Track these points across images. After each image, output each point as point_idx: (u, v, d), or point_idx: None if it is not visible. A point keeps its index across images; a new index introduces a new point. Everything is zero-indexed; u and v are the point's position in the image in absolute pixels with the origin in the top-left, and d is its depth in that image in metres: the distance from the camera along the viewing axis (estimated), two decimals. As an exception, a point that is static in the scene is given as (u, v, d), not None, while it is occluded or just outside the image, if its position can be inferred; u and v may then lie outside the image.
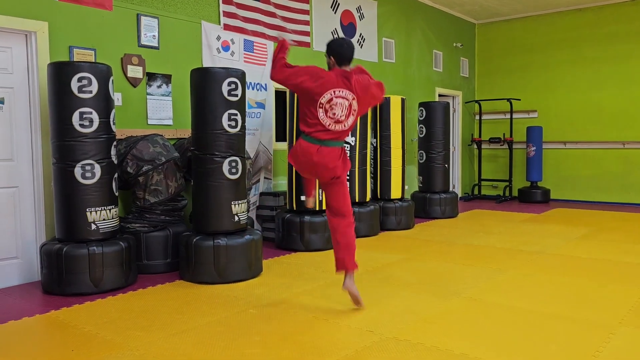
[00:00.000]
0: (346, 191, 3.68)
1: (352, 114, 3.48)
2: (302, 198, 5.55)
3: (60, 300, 3.83)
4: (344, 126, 3.47)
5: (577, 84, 9.69)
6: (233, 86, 4.32)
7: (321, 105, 3.41)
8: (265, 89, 6.32)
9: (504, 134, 10.19)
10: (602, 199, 9.49)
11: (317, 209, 5.59)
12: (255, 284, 4.25)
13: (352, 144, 6.16)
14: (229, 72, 4.33)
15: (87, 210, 4.02)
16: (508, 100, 10.04)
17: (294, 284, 4.22)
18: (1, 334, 3.18)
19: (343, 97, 3.42)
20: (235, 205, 4.37)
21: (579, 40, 9.64)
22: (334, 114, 3.41)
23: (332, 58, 3.51)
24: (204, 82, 4.29)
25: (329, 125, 3.43)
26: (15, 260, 4.33)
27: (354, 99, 3.44)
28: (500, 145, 10.35)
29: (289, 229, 5.55)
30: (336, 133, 3.47)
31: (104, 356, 2.81)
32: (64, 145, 3.99)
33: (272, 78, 3.56)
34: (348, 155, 3.63)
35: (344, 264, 3.60)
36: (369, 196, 6.45)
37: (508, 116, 10.27)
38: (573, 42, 9.70)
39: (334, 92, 3.41)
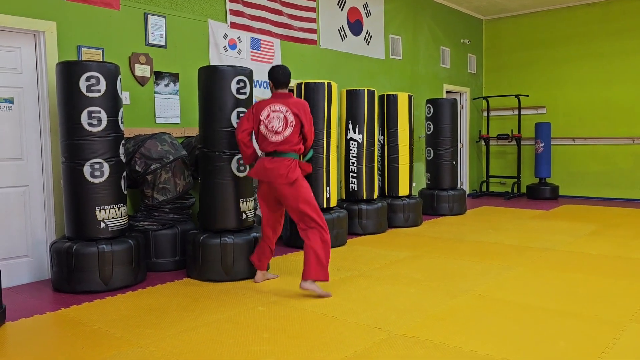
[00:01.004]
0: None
1: (290, 126, 3.94)
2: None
3: (71, 298, 3.86)
4: (282, 137, 3.93)
5: (586, 79, 9.62)
6: (242, 84, 4.33)
7: (262, 122, 3.95)
8: (273, 87, 6.32)
9: (512, 131, 10.14)
10: (612, 195, 9.43)
11: (325, 206, 5.59)
12: (263, 281, 4.26)
13: (360, 141, 6.16)
14: (237, 70, 4.34)
15: (97, 208, 4.05)
16: (516, 96, 9.99)
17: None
18: (13, 331, 3.21)
19: (278, 111, 3.94)
20: (243, 202, 4.38)
21: (587, 36, 9.58)
22: (272, 126, 3.92)
23: (271, 82, 4.09)
24: (213, 80, 4.30)
25: (271, 138, 3.93)
26: (25, 259, 4.37)
27: (287, 111, 3.93)
28: (509, 141, 10.30)
29: (296, 226, 5.54)
30: (277, 144, 3.93)
31: (114, 353, 2.83)
32: (73, 144, 4.02)
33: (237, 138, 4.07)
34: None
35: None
36: (376, 193, 6.44)
37: (516, 112, 10.22)
38: (582, 37, 9.63)
39: (270, 107, 3.96)
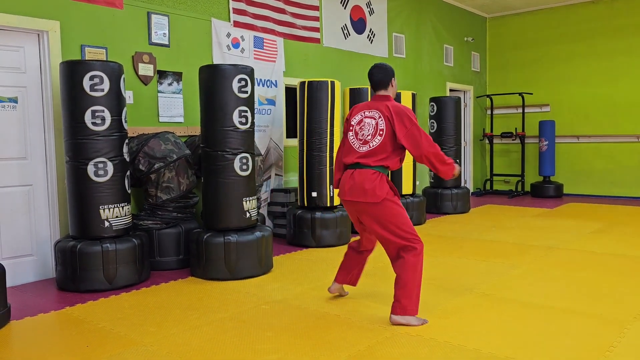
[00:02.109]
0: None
1: (380, 134, 3.28)
2: (313, 194, 5.56)
3: (75, 297, 3.88)
4: (370, 146, 3.29)
5: (590, 77, 9.59)
6: (243, 83, 4.33)
7: (351, 128, 3.39)
8: (276, 86, 6.32)
9: (515, 129, 10.11)
10: (616, 193, 9.39)
11: (329, 205, 5.60)
12: (267, 280, 4.27)
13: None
14: (238, 68, 4.34)
15: (100, 207, 4.06)
16: (520, 94, 9.97)
17: (305, 280, 4.23)
18: (18, 330, 3.22)
19: (370, 117, 3.34)
20: (246, 201, 4.38)
21: (591, 33, 9.54)
22: (363, 134, 3.33)
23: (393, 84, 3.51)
24: (214, 79, 4.30)
25: (357, 148, 3.33)
26: (30, 258, 4.38)
27: (380, 117, 3.29)
28: (512, 139, 10.28)
29: (300, 225, 5.56)
30: (361, 155, 3.31)
31: (119, 352, 2.84)
32: (77, 144, 4.03)
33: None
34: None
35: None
36: (380, 192, 6.43)
37: (520, 110, 10.19)
38: (586, 34, 9.60)
39: (363, 113, 3.39)
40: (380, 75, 3.44)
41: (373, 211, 3.23)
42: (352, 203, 3.31)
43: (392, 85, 3.48)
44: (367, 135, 3.30)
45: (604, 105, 9.46)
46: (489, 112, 10.64)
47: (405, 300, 3.16)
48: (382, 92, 3.43)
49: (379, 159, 3.26)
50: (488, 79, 10.82)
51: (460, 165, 7.80)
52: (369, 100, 3.48)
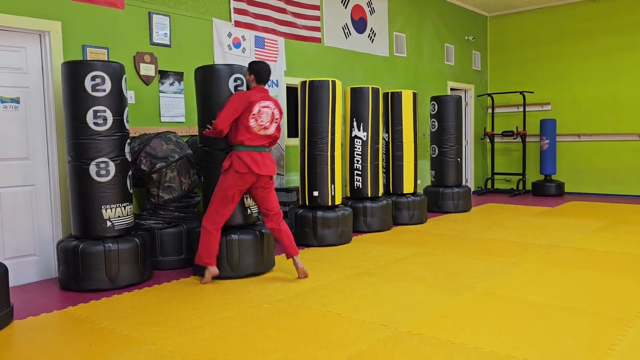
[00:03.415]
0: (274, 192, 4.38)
1: (275, 122, 4.22)
2: (315, 193, 5.57)
3: (77, 297, 3.89)
4: (269, 132, 4.20)
5: (592, 75, 9.58)
6: (239, 82, 4.35)
7: (253, 116, 4.10)
8: (277, 85, 6.33)
9: (517, 127, 10.12)
10: (618, 192, 9.39)
11: (330, 204, 5.61)
12: (269, 278, 4.28)
13: (364, 138, 6.16)
14: (232, 68, 4.36)
15: (102, 207, 4.07)
16: (521, 93, 9.97)
17: (306, 279, 4.24)
18: (20, 329, 3.23)
19: (267, 107, 4.16)
20: (247, 198, 4.39)
21: (593, 31, 9.53)
22: (262, 121, 4.12)
23: (252, 76, 4.22)
24: (210, 79, 4.32)
25: (258, 131, 4.12)
26: (33, 257, 4.40)
27: (275, 109, 4.20)
28: (514, 138, 10.28)
29: (301, 224, 5.57)
30: (266, 138, 4.20)
31: (121, 351, 2.85)
32: (79, 144, 4.04)
33: (221, 127, 4.10)
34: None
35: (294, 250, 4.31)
36: (381, 191, 6.45)
37: (521, 109, 10.19)
38: (587, 33, 9.59)
39: (260, 103, 4.13)
40: (270, 74, 4.28)
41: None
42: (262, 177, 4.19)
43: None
44: (266, 122, 4.15)
45: (605, 104, 9.45)
46: (490, 110, 10.64)
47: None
48: (264, 86, 4.27)
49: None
50: (489, 77, 10.82)
51: (460, 162, 7.81)
52: (253, 91, 4.21)
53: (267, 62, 4.26)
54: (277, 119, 4.23)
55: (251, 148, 4.13)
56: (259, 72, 4.21)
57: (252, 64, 4.25)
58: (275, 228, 4.29)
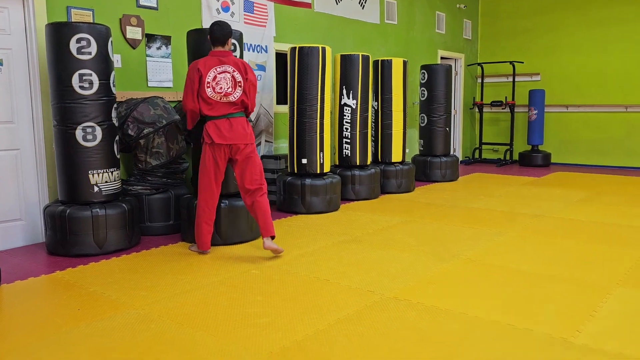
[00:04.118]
0: (259, 162, 4.04)
1: (239, 86, 3.91)
2: (304, 161, 5.57)
3: (65, 261, 3.89)
4: (234, 98, 3.90)
5: (582, 46, 9.56)
6: (232, 47, 4.28)
7: (208, 85, 3.84)
8: (266, 51, 6.24)
9: (505, 98, 10.12)
10: (604, 163, 9.49)
11: (319, 172, 5.61)
12: (257, 245, 4.30)
13: (353, 106, 6.13)
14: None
15: (90, 172, 4.03)
16: (511, 63, 9.94)
17: (295, 245, 4.27)
18: (8, 293, 3.24)
19: (225, 72, 3.87)
20: (236, 167, 4.38)
21: (584, 2, 9.47)
22: (221, 88, 3.85)
23: (208, 38, 3.97)
24: (201, 43, 4.24)
25: (220, 99, 3.87)
26: (19, 222, 4.37)
27: (234, 71, 3.89)
28: (502, 108, 10.29)
29: (290, 191, 5.57)
30: (231, 105, 3.91)
31: (110, 315, 2.86)
32: (65, 108, 3.98)
33: (188, 107, 3.95)
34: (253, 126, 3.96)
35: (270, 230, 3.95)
36: (369, 159, 6.46)
37: (510, 79, 10.18)
38: (578, 4, 9.53)
39: (216, 68, 3.86)
40: (226, 33, 3.90)
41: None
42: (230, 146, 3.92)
43: (228, 44, 3.98)
44: (227, 88, 3.87)
45: (594, 75, 9.47)
46: (479, 80, 10.61)
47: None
48: (222, 48, 3.93)
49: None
50: (480, 47, 10.76)
51: (449, 131, 7.82)
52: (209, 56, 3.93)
53: (225, 21, 3.93)
54: (239, 82, 3.89)
55: (216, 117, 3.90)
56: (211, 33, 3.90)
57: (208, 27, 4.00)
58: (249, 204, 3.98)
